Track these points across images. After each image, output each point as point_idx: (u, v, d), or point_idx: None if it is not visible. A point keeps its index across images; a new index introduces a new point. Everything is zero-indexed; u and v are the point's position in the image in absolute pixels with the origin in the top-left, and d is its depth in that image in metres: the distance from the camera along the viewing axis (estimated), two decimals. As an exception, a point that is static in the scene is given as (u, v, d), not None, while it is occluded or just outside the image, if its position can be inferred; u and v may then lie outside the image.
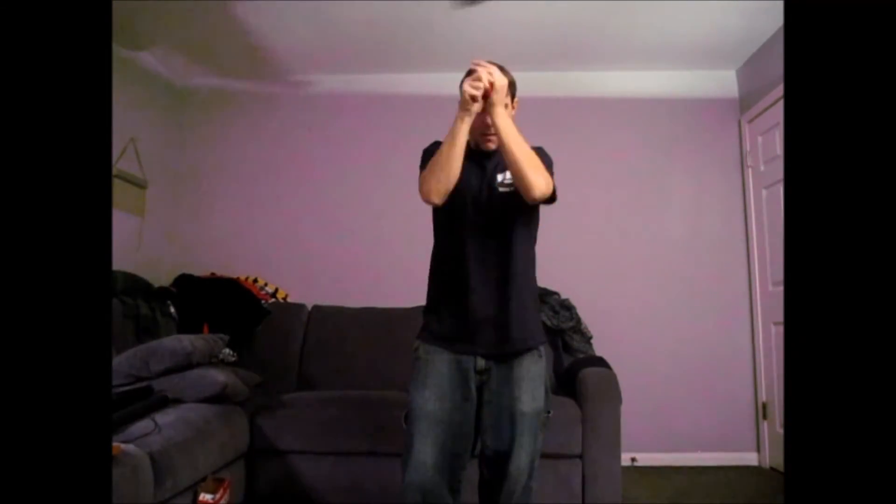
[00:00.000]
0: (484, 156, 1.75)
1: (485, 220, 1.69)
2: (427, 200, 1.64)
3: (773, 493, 2.91)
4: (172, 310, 3.15)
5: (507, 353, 1.69)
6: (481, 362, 1.68)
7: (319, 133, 3.86)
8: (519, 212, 1.70)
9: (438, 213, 1.76)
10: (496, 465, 1.66)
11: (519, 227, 1.72)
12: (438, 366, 1.68)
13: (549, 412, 1.72)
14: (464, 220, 1.70)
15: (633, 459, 3.34)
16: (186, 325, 3.11)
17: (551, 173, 1.70)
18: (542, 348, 1.76)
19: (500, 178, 1.72)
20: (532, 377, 1.68)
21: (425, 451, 1.61)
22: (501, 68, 1.64)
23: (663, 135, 3.74)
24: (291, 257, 3.72)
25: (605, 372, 2.64)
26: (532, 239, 1.80)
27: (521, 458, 1.63)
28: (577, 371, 2.68)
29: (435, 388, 1.65)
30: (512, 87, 1.68)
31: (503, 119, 1.58)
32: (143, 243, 3.47)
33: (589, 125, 3.76)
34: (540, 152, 1.71)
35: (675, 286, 3.62)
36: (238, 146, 3.87)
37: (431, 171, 1.61)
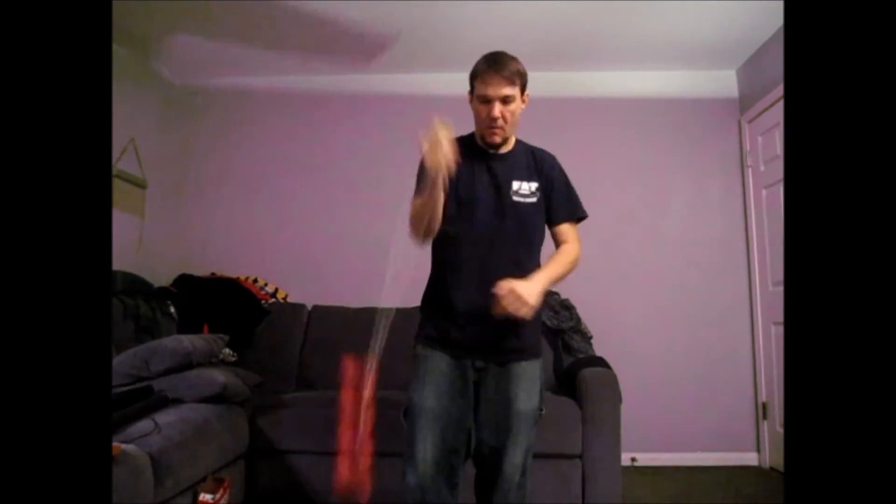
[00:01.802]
0: (491, 157, 1.69)
1: (493, 230, 1.64)
2: (415, 243, 1.68)
3: (773, 493, 2.90)
4: (172, 310, 3.15)
5: (498, 361, 1.68)
6: (479, 361, 1.69)
7: (319, 133, 3.85)
8: (533, 225, 1.68)
9: (445, 218, 1.72)
10: (491, 463, 1.66)
11: (528, 238, 1.68)
12: (436, 363, 1.69)
13: (542, 410, 1.72)
14: (470, 227, 1.66)
15: (633, 459, 3.34)
16: (186, 325, 3.10)
17: (571, 186, 1.74)
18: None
19: (515, 186, 1.66)
20: (529, 376, 1.68)
21: (425, 449, 1.62)
22: (514, 59, 1.62)
23: (663, 135, 3.74)
24: (291, 257, 3.72)
25: (605, 372, 2.64)
26: (538, 250, 1.76)
27: (517, 456, 1.64)
28: (577, 371, 2.68)
29: (433, 385, 1.67)
30: (522, 77, 1.62)
31: (550, 283, 1.61)
32: (143, 243, 3.47)
33: (589, 125, 3.76)
34: (555, 164, 1.71)
35: (676, 286, 3.62)
36: (238, 146, 3.87)
37: (411, 221, 1.62)
